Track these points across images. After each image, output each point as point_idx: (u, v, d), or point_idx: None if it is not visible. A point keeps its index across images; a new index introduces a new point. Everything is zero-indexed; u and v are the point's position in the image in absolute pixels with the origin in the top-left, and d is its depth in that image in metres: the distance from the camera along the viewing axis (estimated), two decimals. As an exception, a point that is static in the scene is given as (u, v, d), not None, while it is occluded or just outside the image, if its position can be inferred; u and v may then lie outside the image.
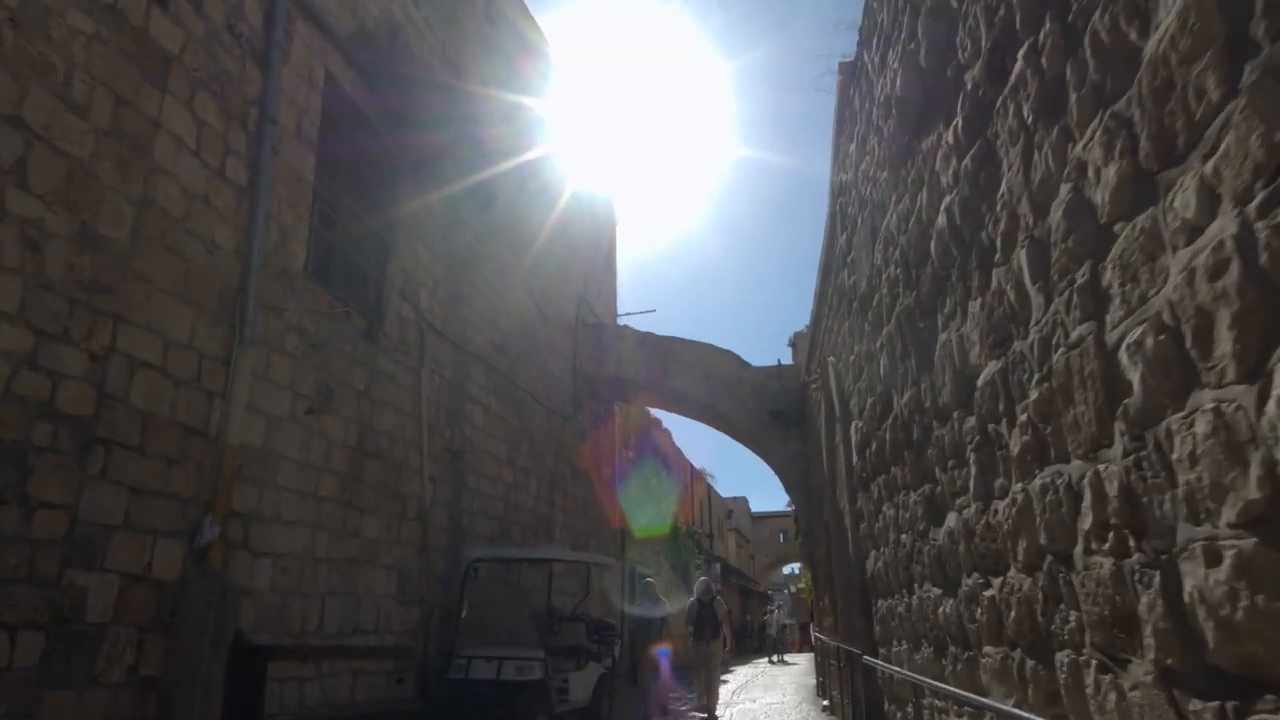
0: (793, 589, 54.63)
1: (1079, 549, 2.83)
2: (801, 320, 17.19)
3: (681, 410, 16.31)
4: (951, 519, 4.50)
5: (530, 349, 12.93)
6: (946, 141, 4.10)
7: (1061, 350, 2.86)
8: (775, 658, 27.87)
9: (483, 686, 8.18)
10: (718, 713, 11.13)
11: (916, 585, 5.43)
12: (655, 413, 22.02)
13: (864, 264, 6.80)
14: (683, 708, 12.26)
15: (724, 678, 15.69)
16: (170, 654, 5.33)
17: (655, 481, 21.40)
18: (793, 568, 61.95)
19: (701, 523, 36.95)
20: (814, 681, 14.89)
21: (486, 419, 11.07)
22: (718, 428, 16.07)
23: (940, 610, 4.84)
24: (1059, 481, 2.97)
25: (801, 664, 23.69)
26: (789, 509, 42.91)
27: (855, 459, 7.95)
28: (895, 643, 6.33)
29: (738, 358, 15.12)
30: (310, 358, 7.28)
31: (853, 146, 7.18)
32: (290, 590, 6.85)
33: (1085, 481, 2.74)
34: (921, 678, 5.03)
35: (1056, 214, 2.85)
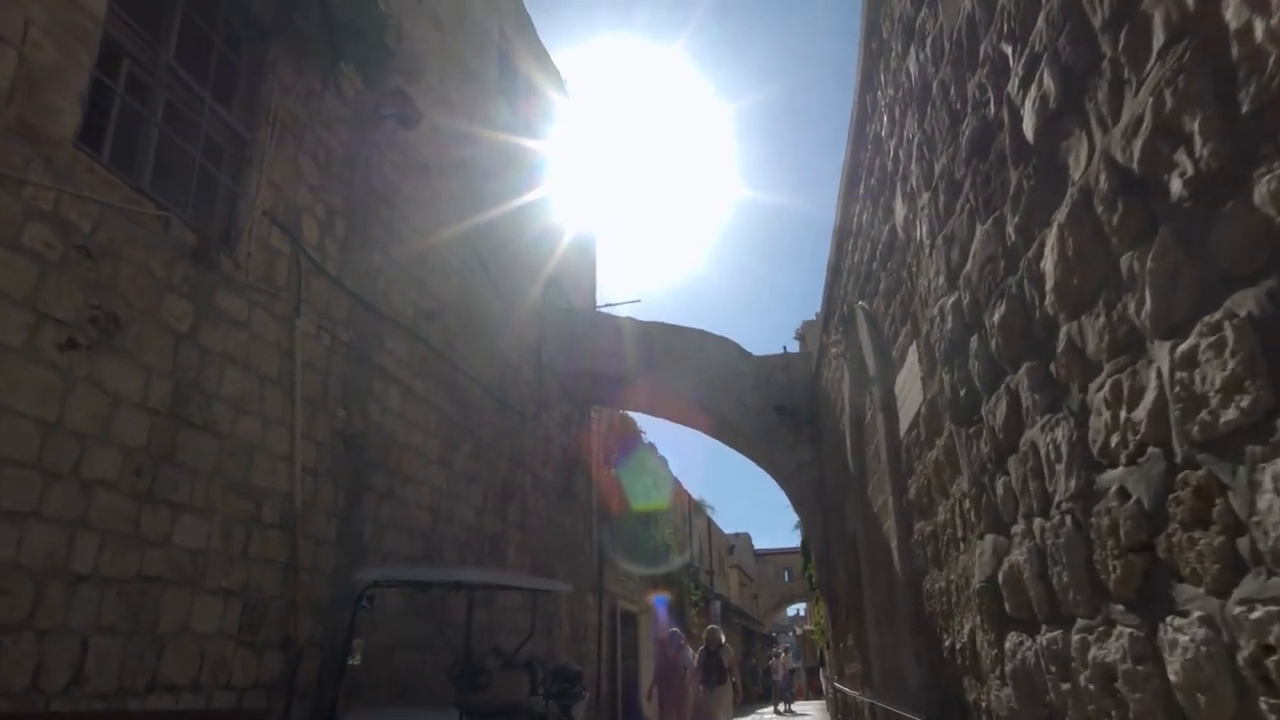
0: (798, 631, 51.64)
1: None
2: (809, 311, 14.82)
3: (669, 412, 13.71)
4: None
5: (476, 324, 10.41)
6: None
7: None
8: (782, 707, 25.06)
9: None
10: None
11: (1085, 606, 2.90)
12: (640, 422, 19.44)
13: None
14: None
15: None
16: None
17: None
18: (798, 608, 59.00)
19: (700, 558, 34.17)
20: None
21: (407, 403, 8.51)
22: (713, 432, 13.47)
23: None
24: None
25: (812, 715, 20.82)
26: (794, 547, 39.91)
27: (906, 432, 5.40)
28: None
29: (737, 346, 12.60)
30: (77, 267, 4.79)
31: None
32: (16, 624, 4.28)
33: None
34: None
35: None
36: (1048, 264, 2.33)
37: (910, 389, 5.11)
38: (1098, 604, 2.13)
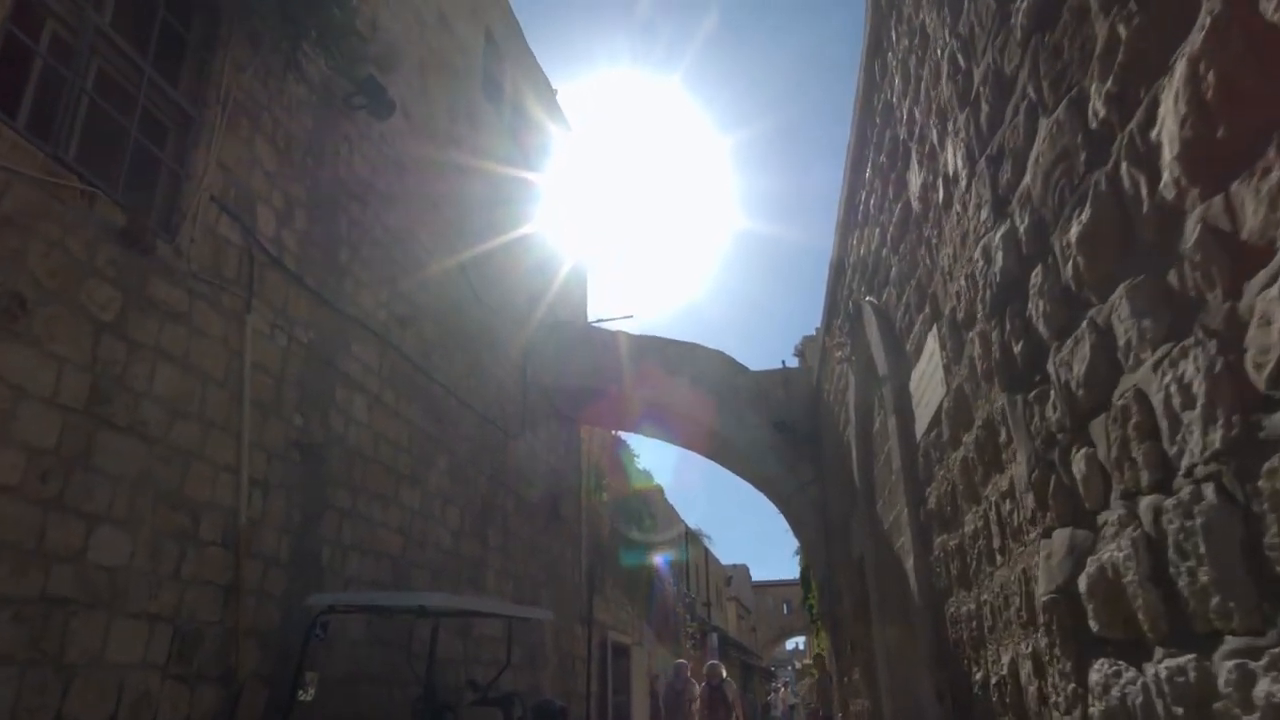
0: (798, 665, 50.42)
1: None
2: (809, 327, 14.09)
3: (660, 430, 13.02)
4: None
5: (456, 333, 9.79)
6: None
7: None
8: (783, 744, 24.00)
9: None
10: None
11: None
12: (633, 445, 18.76)
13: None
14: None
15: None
16: None
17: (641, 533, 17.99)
18: (797, 641, 57.73)
19: (697, 589, 33.28)
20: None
21: (376, 414, 7.86)
22: (709, 451, 12.79)
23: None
24: None
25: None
26: (793, 579, 38.81)
27: (924, 434, 4.76)
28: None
29: (732, 360, 11.96)
30: (-27, 238, 4.18)
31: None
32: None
33: None
34: None
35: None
36: (1166, 127, 1.70)
37: (929, 383, 4.49)
38: (1272, 612, 1.47)
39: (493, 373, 10.90)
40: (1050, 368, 2.27)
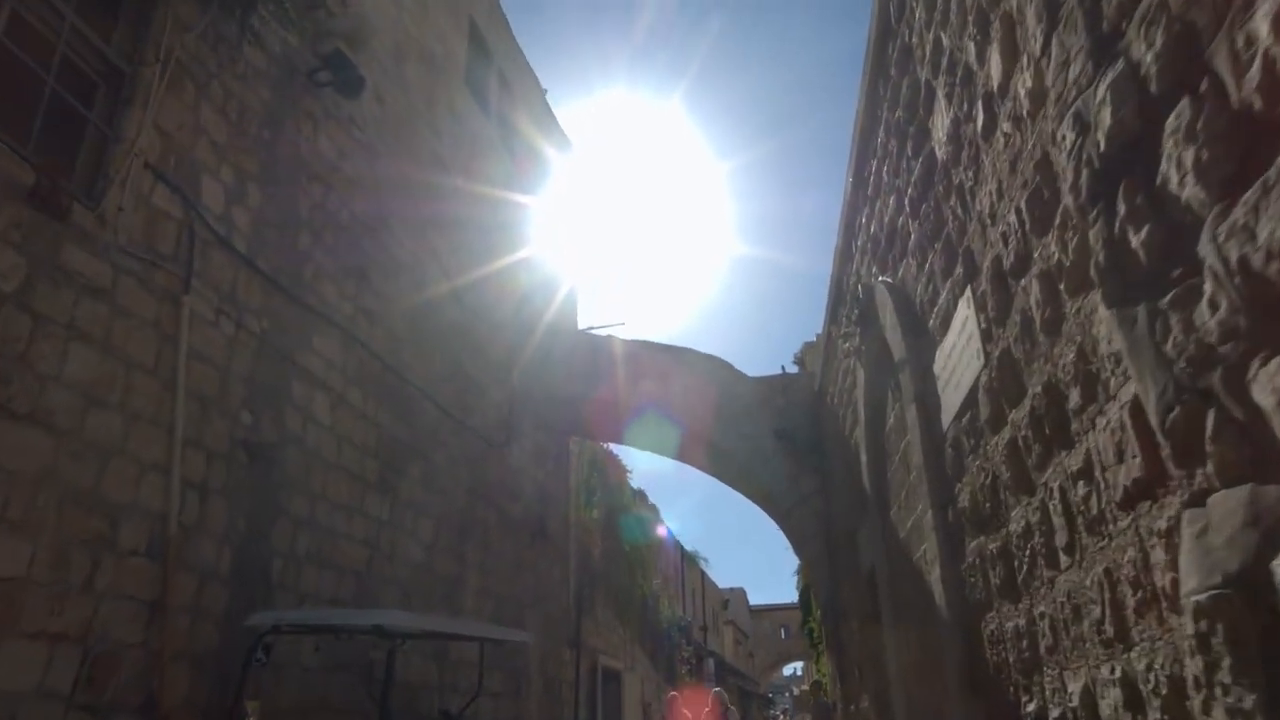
0: (796, 691, 49.26)
1: None
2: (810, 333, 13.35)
3: (653, 442, 12.29)
4: None
5: (431, 332, 9.12)
6: None
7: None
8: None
9: None
10: None
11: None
12: (626, 460, 18.03)
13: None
14: None
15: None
16: None
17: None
18: (795, 667, 56.56)
19: (693, 613, 32.40)
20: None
21: (339, 415, 7.17)
22: (705, 464, 12.07)
23: None
24: None
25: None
26: (791, 603, 37.73)
27: (954, 420, 4.09)
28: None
29: (729, 367, 11.29)
30: None
31: None
32: None
33: None
34: None
35: None
36: None
37: (960, 360, 3.84)
38: None
39: (474, 378, 10.21)
40: (1206, 247, 1.59)
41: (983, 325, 3.41)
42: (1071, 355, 2.55)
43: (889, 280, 5.24)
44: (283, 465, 6.32)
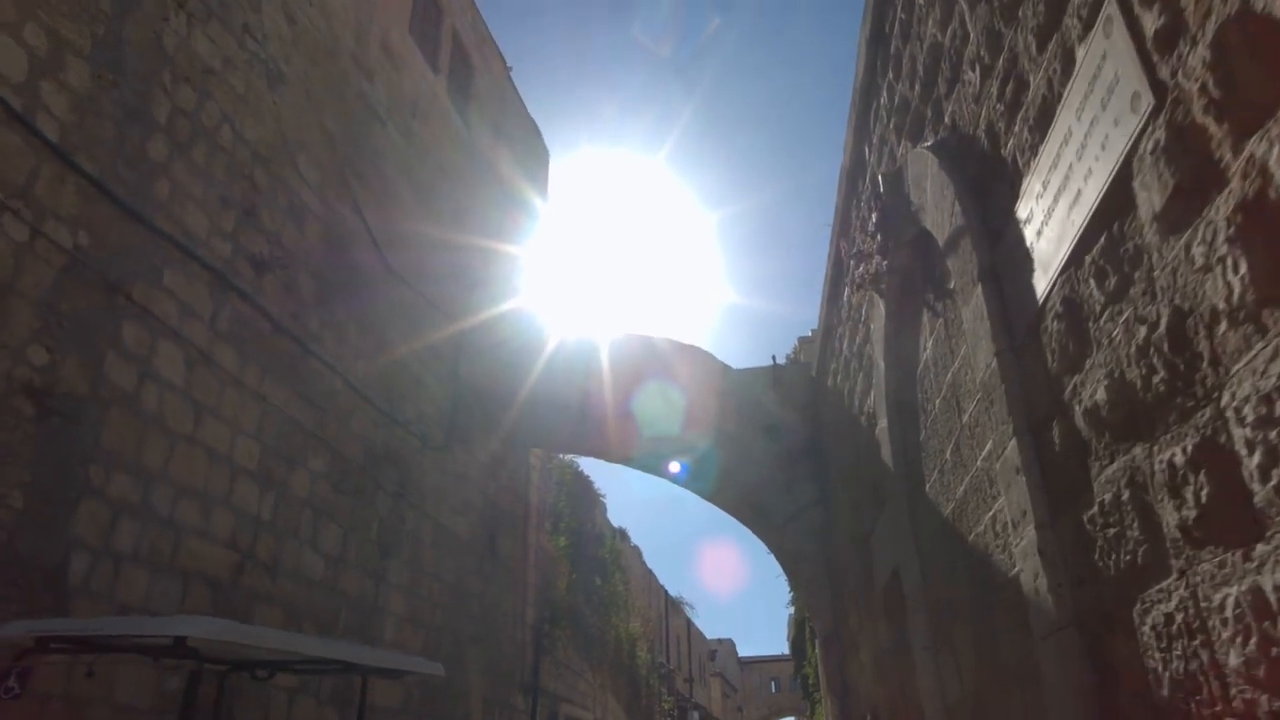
0: (787, 748, 46.64)
1: None
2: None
3: (619, 450, 10.55)
4: None
5: (349, 299, 7.51)
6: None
7: None
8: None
9: None
10: None
11: None
12: (599, 484, 16.27)
13: None
14: None
15: None
16: None
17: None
18: (787, 722, 53.85)
19: (678, 662, 30.28)
20: None
21: (200, 376, 5.54)
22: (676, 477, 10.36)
23: None
24: None
25: None
26: (783, 654, 35.50)
27: (1064, 269, 2.50)
28: None
29: (711, 357, 9.69)
30: None
31: None
32: None
33: None
34: None
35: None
36: None
37: (1089, 139, 2.25)
38: None
39: (408, 364, 8.59)
40: None
41: (1155, 32, 1.87)
42: None
43: (929, 144, 3.74)
44: (96, 428, 4.66)
